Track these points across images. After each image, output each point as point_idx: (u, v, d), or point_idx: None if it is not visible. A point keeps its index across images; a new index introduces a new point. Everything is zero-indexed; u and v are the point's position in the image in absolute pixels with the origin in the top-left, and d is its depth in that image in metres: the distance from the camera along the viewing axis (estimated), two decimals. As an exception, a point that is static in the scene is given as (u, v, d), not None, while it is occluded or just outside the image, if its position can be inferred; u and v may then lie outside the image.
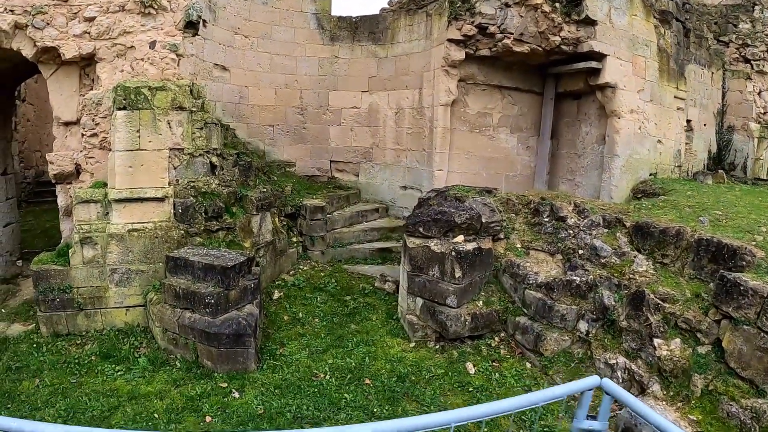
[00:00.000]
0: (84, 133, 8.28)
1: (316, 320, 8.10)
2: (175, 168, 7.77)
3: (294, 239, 10.41)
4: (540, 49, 10.24)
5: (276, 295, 8.78)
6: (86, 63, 8.35)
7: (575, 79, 11.04)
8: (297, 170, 12.84)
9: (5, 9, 7.78)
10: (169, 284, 6.94)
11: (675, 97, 12.07)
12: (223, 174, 8.41)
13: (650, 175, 11.39)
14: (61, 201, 8.57)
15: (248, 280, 6.98)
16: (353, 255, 10.91)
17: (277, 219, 9.69)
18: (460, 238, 7.41)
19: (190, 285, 6.81)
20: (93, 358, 6.96)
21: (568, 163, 11.90)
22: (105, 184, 7.80)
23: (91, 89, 8.34)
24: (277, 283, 9.28)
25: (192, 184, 7.88)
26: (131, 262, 7.53)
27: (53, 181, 8.59)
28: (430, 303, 7.44)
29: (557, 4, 9.94)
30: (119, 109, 7.44)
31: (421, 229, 7.50)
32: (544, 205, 8.20)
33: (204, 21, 10.66)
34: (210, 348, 6.44)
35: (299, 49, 12.78)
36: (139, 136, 7.51)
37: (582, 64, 10.31)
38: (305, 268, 10.12)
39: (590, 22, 9.83)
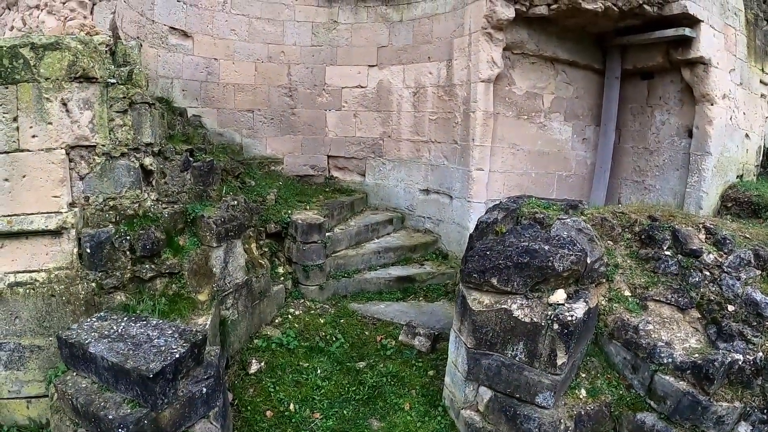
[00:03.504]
0: (-42, 124, 5.29)
1: (317, 415, 5.11)
2: (81, 178, 4.72)
3: (280, 270, 7.37)
4: (615, 8, 7.55)
5: (253, 366, 5.73)
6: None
7: (650, 53, 8.50)
8: (285, 169, 9.81)
9: None
10: (63, 389, 3.89)
11: (760, 81, 9.56)
12: (165, 184, 5.33)
13: (737, 177, 8.92)
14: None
15: (196, 381, 3.91)
16: (363, 288, 7.89)
17: (254, 245, 6.63)
18: (561, 294, 4.43)
19: (93, 396, 3.75)
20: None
21: (635, 161, 9.30)
22: (-24, 207, 4.80)
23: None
24: (255, 342, 6.21)
25: (111, 204, 4.82)
26: (21, 334, 4.57)
27: None
28: (506, 399, 4.51)
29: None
30: (-14, 82, 4.44)
31: (494, 281, 4.48)
32: (660, 230, 5.30)
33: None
34: None
35: (287, 12, 9.70)
36: (17, 128, 4.47)
37: (670, 32, 7.73)
38: (297, 313, 7.07)
39: (680, -24, 7.40)
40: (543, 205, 5.41)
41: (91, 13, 5.15)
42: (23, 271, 4.63)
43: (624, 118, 9.33)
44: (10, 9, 5.26)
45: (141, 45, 7.32)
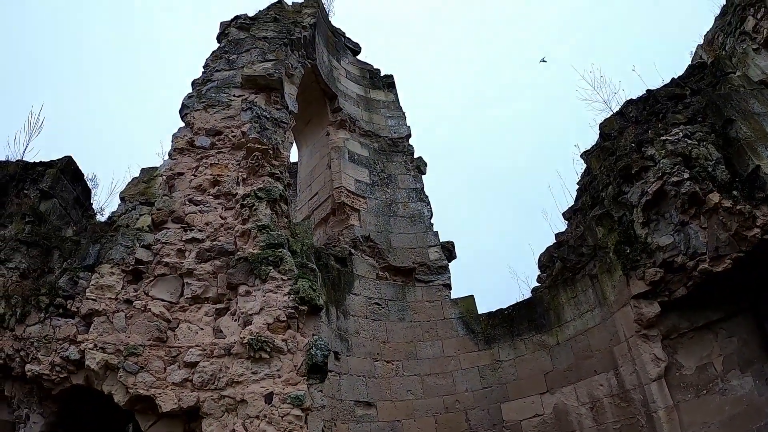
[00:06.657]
0: None
1: None
2: None
3: None
4: (741, 254, 7.87)
5: None
6: (190, 417, 6.60)
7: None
8: None
9: (96, 345, 6.56)
10: None
11: None
12: None
13: None
14: None
15: None
16: None
17: None
18: None
19: None
20: None
21: (822, 374, 8.39)
22: None
23: (199, 449, 6.46)
24: None
25: None
26: None
27: None
28: None
29: (735, 192, 7.95)
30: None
31: None
32: None
33: (336, 354, 9.00)
34: None
35: (452, 363, 10.65)
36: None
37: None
38: None
39: (775, 191, 7.88)
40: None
41: (305, 423, 6.18)
42: None
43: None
44: (228, 412, 6.33)
45: (335, 424, 8.29)
